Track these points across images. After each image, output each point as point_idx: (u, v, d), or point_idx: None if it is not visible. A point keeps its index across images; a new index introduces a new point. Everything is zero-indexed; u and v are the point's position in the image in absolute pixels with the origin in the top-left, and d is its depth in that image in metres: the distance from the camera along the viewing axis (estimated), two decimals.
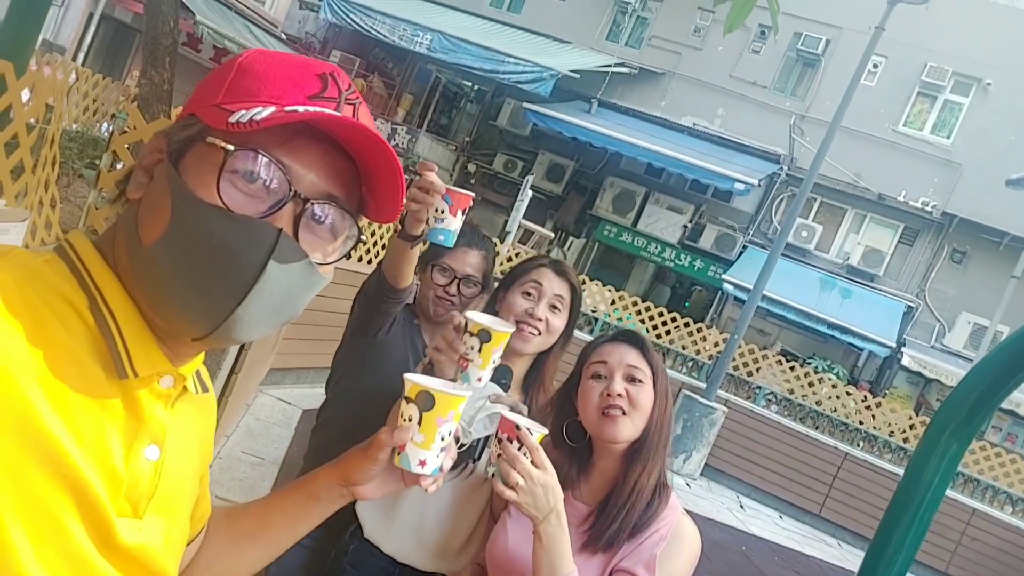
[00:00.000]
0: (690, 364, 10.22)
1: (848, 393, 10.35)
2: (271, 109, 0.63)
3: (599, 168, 16.62)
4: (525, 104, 15.50)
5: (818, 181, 14.57)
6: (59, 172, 4.96)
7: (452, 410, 0.92)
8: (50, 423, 0.56)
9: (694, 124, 16.12)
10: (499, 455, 1.21)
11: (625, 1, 16.66)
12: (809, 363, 13.67)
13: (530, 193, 9.11)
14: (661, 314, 10.22)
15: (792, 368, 10.34)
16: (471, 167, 17.46)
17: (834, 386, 10.40)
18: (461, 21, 16.63)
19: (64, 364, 0.58)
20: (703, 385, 9.10)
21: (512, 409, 1.35)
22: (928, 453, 2.35)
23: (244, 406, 4.95)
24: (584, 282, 10.52)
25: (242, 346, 3.25)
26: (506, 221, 11.32)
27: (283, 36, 18.09)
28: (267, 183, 0.65)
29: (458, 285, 1.93)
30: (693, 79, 16.39)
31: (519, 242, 11.00)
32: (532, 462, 1.21)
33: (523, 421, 1.24)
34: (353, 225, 0.71)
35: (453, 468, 1.47)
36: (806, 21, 15.40)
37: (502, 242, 9.09)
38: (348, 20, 16.18)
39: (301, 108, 0.64)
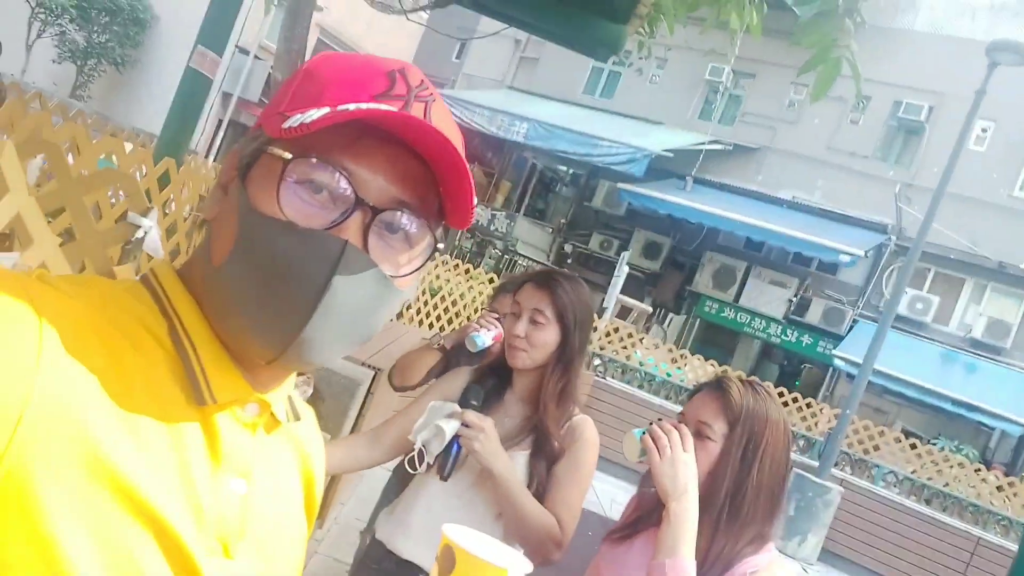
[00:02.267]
0: (801, 442, 9.81)
1: (977, 471, 9.64)
2: (324, 110, 0.59)
3: (696, 244, 16.58)
4: (619, 184, 15.81)
5: (931, 251, 14.03)
6: None
7: None
8: (123, 456, 0.53)
9: (793, 197, 15.92)
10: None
11: (717, 80, 16.92)
12: (934, 443, 12.83)
13: (626, 269, 9.23)
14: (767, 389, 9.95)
15: (914, 446, 9.75)
16: (567, 247, 17.78)
17: (961, 466, 9.72)
18: (556, 109, 17.30)
19: (139, 393, 0.56)
20: (816, 464, 8.70)
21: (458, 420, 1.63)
22: None
23: (359, 474, 5.15)
24: (684, 355, 10.40)
25: (362, 405, 3.45)
26: (603, 299, 11.43)
27: None
28: (332, 192, 0.61)
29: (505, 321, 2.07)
30: (789, 152, 16.30)
31: (618, 317, 11.04)
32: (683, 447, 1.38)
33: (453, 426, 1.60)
34: (429, 232, 0.65)
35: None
36: (906, 89, 15.16)
37: (599, 318, 9.19)
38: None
39: (353, 106, 0.59)
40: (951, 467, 9.59)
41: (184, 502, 0.57)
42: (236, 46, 15.85)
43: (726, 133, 16.70)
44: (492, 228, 17.27)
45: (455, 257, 9.80)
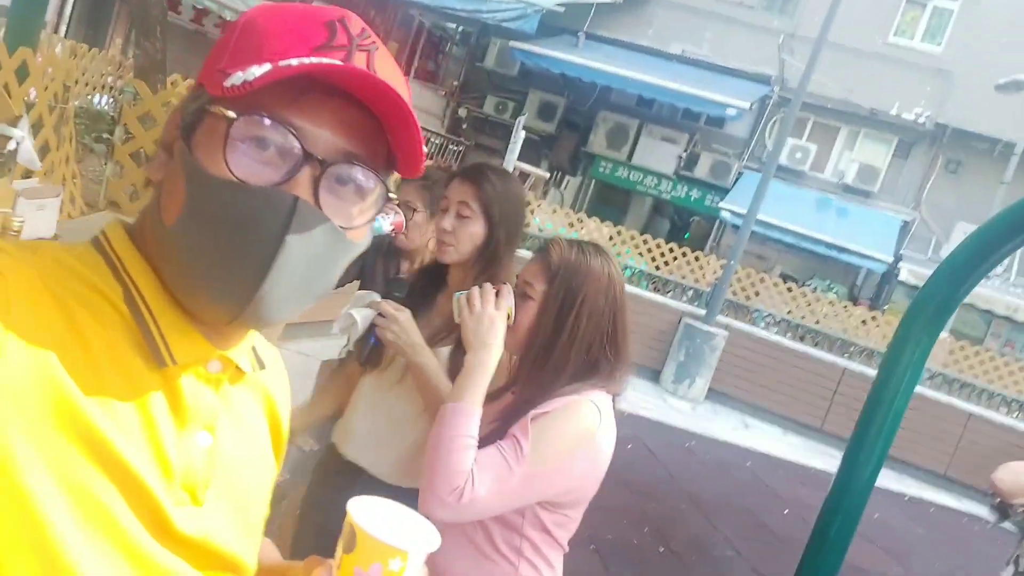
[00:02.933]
0: (690, 293, 10.43)
1: (845, 308, 10.59)
2: (265, 67, 0.57)
3: (590, 104, 16.53)
4: (511, 43, 15.36)
5: (810, 100, 14.52)
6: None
7: (378, 562, 0.68)
8: (92, 415, 0.55)
9: (683, 51, 15.96)
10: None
11: None
12: (808, 284, 13.90)
13: (523, 134, 9.17)
14: (659, 246, 10.39)
15: (790, 290, 10.56)
16: (461, 112, 17.38)
17: (831, 304, 10.64)
18: None
19: (99, 357, 0.57)
20: (703, 312, 9.33)
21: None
22: (900, 350, 2.56)
23: None
24: (582, 219, 10.65)
25: None
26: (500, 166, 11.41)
27: None
28: (279, 148, 0.60)
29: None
30: (679, 4, 16.16)
31: None
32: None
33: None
34: (380, 183, 0.65)
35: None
36: None
37: None
38: None
39: (295, 61, 0.58)
40: (822, 306, 10.49)
41: (151, 458, 0.59)
42: None
43: None
44: None
45: None
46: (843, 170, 15.53)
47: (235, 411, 0.71)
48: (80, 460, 0.54)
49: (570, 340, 1.47)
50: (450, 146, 16.55)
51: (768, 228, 14.12)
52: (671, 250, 10.39)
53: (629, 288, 8.54)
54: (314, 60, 0.59)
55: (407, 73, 17.34)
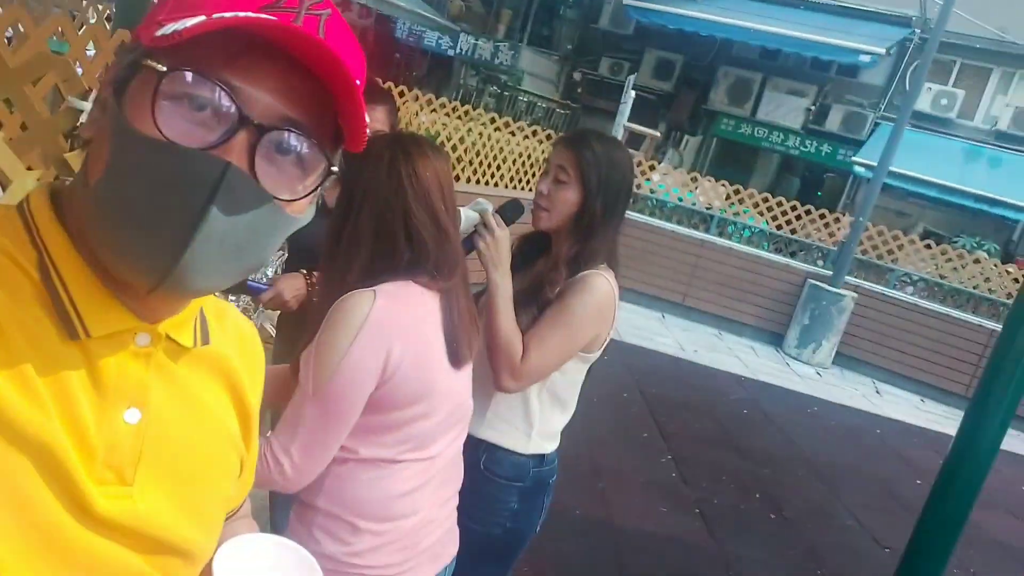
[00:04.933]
0: (818, 254, 9.88)
1: (996, 266, 9.69)
2: (199, 18, 0.54)
3: (710, 59, 15.88)
4: (625, 1, 14.96)
5: (957, 41, 13.30)
6: None
7: None
8: (1, 392, 0.53)
9: None
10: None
11: None
12: (955, 242, 12.82)
13: (633, 94, 8.92)
14: (780, 204, 9.85)
15: (929, 247, 9.77)
16: (576, 76, 17.16)
17: (978, 262, 9.76)
18: None
19: (9, 331, 0.54)
20: (830, 273, 8.82)
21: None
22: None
23: None
24: (696, 179, 10.29)
25: None
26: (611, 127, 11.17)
27: None
28: (213, 108, 0.56)
29: None
30: None
31: (627, 146, 10.86)
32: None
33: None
34: (323, 157, 0.61)
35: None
36: None
37: None
38: None
39: (231, 14, 0.54)
40: (967, 264, 9.64)
41: (67, 434, 0.56)
42: None
43: None
44: (496, 62, 16.65)
45: (456, 99, 9.56)
46: (996, 116, 14.15)
47: (177, 387, 0.67)
48: None
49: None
50: (558, 111, 16.40)
51: (908, 182, 13.13)
52: (794, 208, 9.84)
53: (748, 249, 8.14)
54: (251, 15, 0.55)
55: (521, 40, 17.31)
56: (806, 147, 15.42)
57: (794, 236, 9.85)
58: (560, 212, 1.72)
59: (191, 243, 0.54)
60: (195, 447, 0.69)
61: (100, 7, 6.51)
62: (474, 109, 8.01)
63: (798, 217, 9.86)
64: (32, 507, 0.54)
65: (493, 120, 7.88)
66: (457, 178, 7.19)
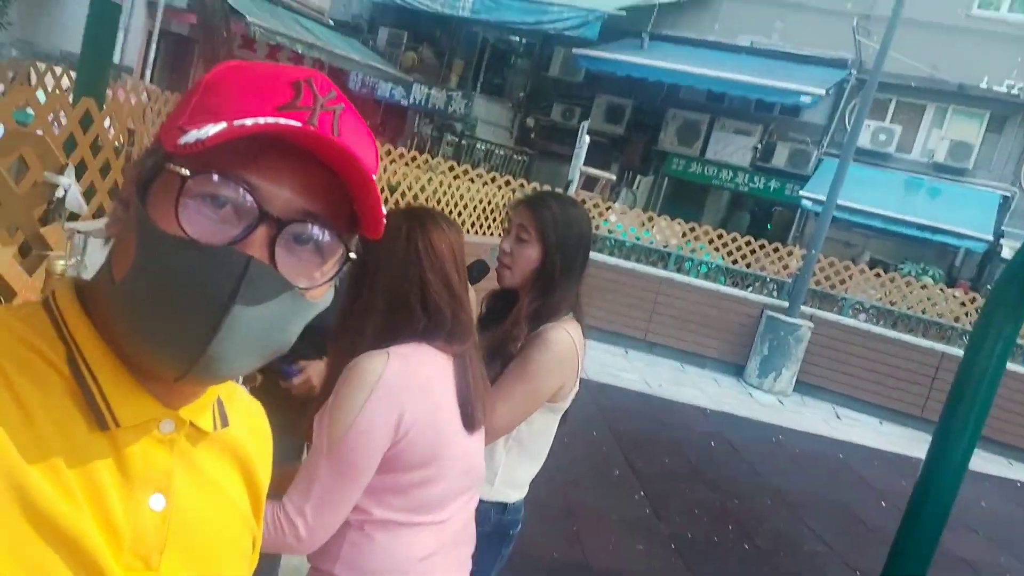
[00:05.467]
0: (772, 286, 10.14)
1: (942, 291, 10.07)
2: (221, 126, 0.57)
3: (659, 103, 16.36)
4: (575, 50, 15.40)
5: (890, 81, 13.93)
6: None
7: None
8: (32, 484, 0.54)
9: (751, 42, 15.61)
10: None
11: None
12: (901, 269, 13.28)
13: (587, 139, 9.18)
14: (735, 239, 10.14)
15: (878, 275, 10.12)
16: (529, 122, 17.51)
17: (925, 287, 10.13)
18: None
19: (39, 424, 0.56)
20: (786, 304, 9.07)
21: None
22: (987, 324, 2.44)
23: None
24: (652, 218, 10.54)
25: None
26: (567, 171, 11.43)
27: (331, 23, 18.45)
28: (235, 206, 0.59)
29: None
30: None
31: (584, 189, 11.09)
32: None
33: None
34: (340, 244, 0.64)
35: None
36: None
37: (565, 191, 9.25)
38: None
39: (250, 121, 0.58)
40: (914, 290, 10.00)
41: (97, 524, 0.58)
42: None
43: None
44: (450, 111, 16.94)
45: (413, 148, 9.68)
46: (932, 149, 14.80)
47: (198, 472, 0.69)
48: (22, 530, 0.53)
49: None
50: (515, 157, 16.69)
51: (853, 214, 13.60)
52: (748, 243, 10.13)
53: (706, 284, 8.34)
54: (270, 120, 0.58)
55: (474, 88, 17.66)
56: (754, 183, 15.90)
57: (749, 270, 10.12)
58: (522, 269, 1.78)
59: (217, 334, 0.57)
60: (216, 531, 0.70)
61: (57, 71, 6.50)
62: (432, 158, 8.14)
63: (752, 251, 10.15)
64: None
65: (452, 168, 8.01)
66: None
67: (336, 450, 1.27)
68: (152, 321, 0.58)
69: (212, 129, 0.57)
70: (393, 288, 1.38)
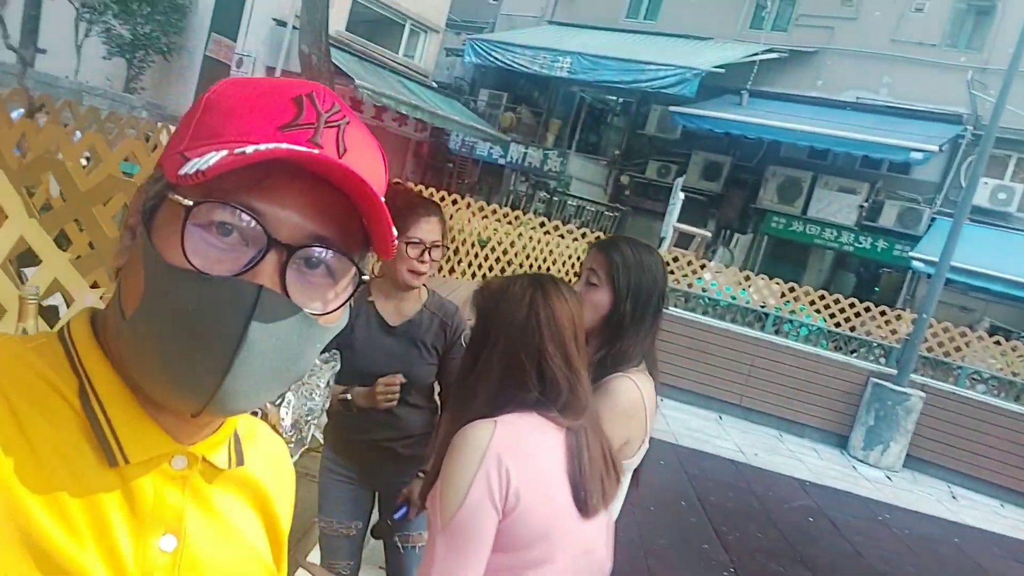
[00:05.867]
0: (879, 351, 9.58)
1: None
2: (222, 154, 0.55)
3: (758, 160, 16.05)
4: (671, 108, 15.38)
5: (1009, 136, 13.19)
6: None
7: None
8: (39, 521, 0.52)
9: (857, 98, 15.17)
10: None
11: None
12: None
13: (682, 195, 9.06)
14: (838, 301, 9.67)
15: (999, 343, 9.38)
16: (624, 179, 17.51)
17: None
18: (599, 38, 16.85)
19: (48, 460, 0.55)
20: (894, 371, 8.51)
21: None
22: None
23: None
24: (749, 277, 10.23)
25: None
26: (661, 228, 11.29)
27: (434, 84, 19.20)
28: (241, 234, 0.57)
29: (429, 253, 2.03)
30: (851, 51, 15.48)
31: (677, 246, 10.89)
32: None
33: None
34: (352, 265, 0.62)
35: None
36: None
37: (658, 248, 9.11)
38: (490, 58, 16.92)
39: (251, 148, 0.55)
40: None
41: (103, 564, 0.56)
42: (273, 19, 15.99)
43: (780, 40, 15.94)
44: (545, 169, 17.16)
45: (507, 205, 9.82)
46: None
47: (212, 511, 0.66)
48: (23, 567, 0.52)
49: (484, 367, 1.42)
50: (606, 213, 16.66)
51: (970, 276, 12.77)
52: (852, 305, 9.64)
53: (806, 348, 7.95)
54: (271, 146, 0.56)
55: (569, 147, 17.86)
56: (861, 243, 15.24)
57: (853, 333, 9.60)
58: (590, 315, 1.70)
59: (232, 367, 0.55)
60: (232, 569, 0.67)
61: (172, 128, 7.00)
62: (524, 214, 8.20)
63: (857, 314, 9.65)
64: None
65: (543, 224, 8.05)
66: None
67: (450, 527, 1.23)
68: (164, 358, 0.56)
69: (213, 158, 0.55)
70: (510, 355, 1.35)
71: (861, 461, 8.45)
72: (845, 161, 15.30)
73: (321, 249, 0.59)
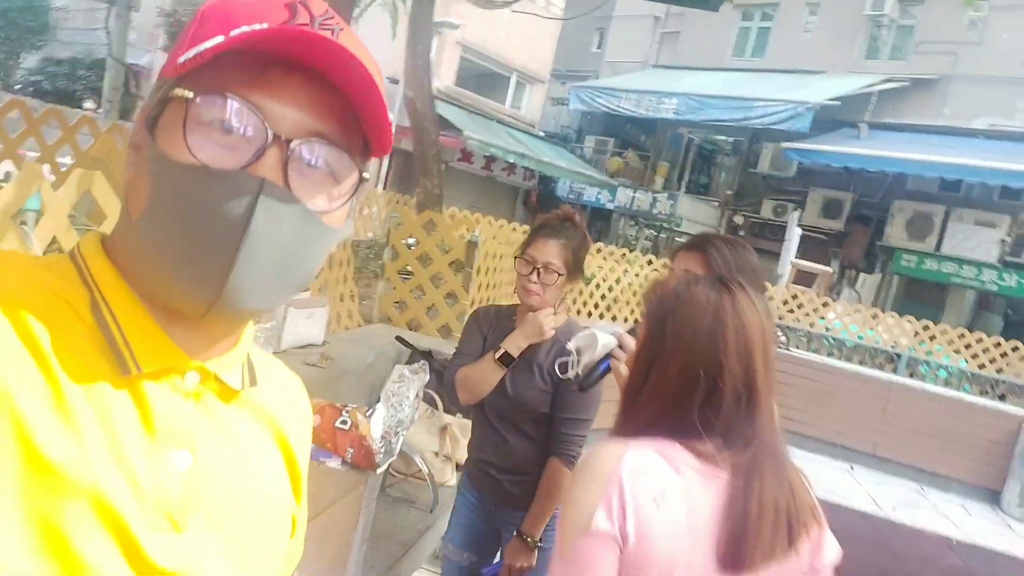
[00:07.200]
0: None
1: None
2: (217, 39, 0.55)
3: (882, 195, 15.19)
4: (784, 144, 14.85)
5: None
6: (357, 273, 5.84)
7: None
8: (49, 435, 0.52)
9: (990, 125, 14.15)
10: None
11: (880, 13, 15.44)
12: None
13: (798, 231, 8.63)
14: (980, 340, 8.84)
15: None
16: (737, 219, 16.99)
17: None
18: (704, 79, 16.62)
19: (61, 371, 0.54)
20: None
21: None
22: None
23: None
24: (876, 315, 9.56)
25: None
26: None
27: (541, 134, 19.47)
28: (242, 129, 0.57)
29: (539, 273, 1.99)
30: (978, 76, 14.51)
31: (796, 283, 10.35)
32: None
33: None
34: (354, 165, 0.62)
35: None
36: None
37: (773, 286, 8.65)
38: (595, 104, 17.00)
39: (247, 27, 0.56)
40: None
41: (118, 476, 0.55)
42: (387, 77, 16.74)
43: (899, 68, 15.19)
44: (655, 211, 16.89)
45: (615, 244, 9.70)
46: None
47: (228, 432, 0.65)
48: (43, 485, 0.51)
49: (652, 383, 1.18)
50: None
51: None
52: (997, 345, 8.79)
53: (947, 392, 7.29)
54: (266, 26, 0.56)
55: (679, 188, 17.55)
56: (1004, 281, 14.00)
57: (1001, 376, 8.72)
58: None
59: (236, 261, 0.56)
60: (245, 494, 0.66)
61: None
62: (630, 251, 8.04)
63: (1003, 354, 8.78)
64: (85, 557, 0.52)
65: (650, 261, 7.85)
66: (614, 317, 7.11)
67: (567, 556, 1.08)
68: (172, 255, 0.57)
69: (210, 43, 0.56)
70: (689, 368, 1.13)
71: (1018, 520, 7.56)
72: (981, 192, 14.23)
73: (322, 144, 0.60)
